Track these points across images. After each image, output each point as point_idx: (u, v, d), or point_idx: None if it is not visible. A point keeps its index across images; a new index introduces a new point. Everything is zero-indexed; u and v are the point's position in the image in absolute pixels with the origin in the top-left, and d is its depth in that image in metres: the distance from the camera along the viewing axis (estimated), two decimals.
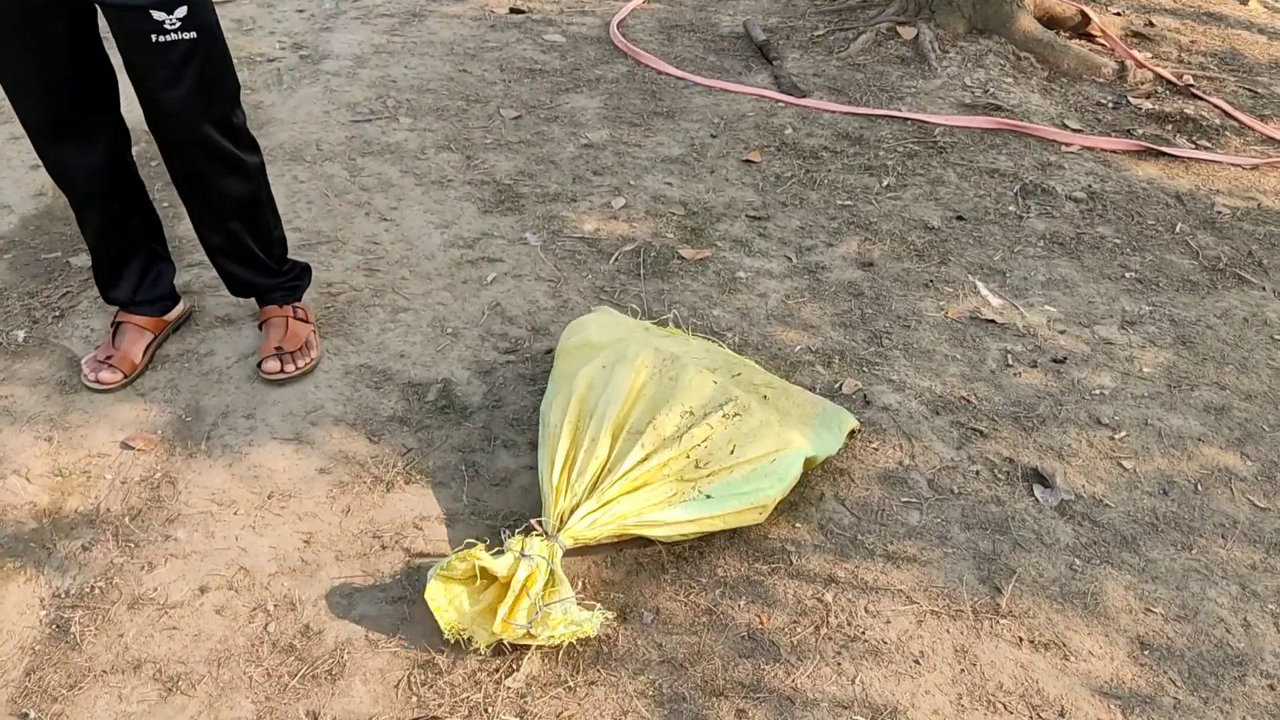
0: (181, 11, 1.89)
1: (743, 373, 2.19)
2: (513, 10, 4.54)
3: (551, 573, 1.74)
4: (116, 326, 2.35)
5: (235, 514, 1.99)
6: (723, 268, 2.86)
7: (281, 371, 2.31)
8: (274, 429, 2.20)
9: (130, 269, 2.33)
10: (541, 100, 3.77)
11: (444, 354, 2.47)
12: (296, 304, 2.45)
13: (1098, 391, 2.44)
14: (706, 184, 3.27)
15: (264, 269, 2.37)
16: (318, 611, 1.80)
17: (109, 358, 2.29)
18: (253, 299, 2.47)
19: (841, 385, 2.41)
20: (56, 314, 2.53)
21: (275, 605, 1.81)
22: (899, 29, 4.07)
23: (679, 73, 3.97)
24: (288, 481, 2.07)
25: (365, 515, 2.00)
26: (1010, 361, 2.53)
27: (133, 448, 2.12)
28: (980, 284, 2.82)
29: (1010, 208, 3.17)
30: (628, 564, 1.92)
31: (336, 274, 2.75)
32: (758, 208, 3.15)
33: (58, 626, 1.75)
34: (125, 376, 2.28)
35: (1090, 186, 3.29)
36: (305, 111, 3.59)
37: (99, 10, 1.93)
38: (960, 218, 3.12)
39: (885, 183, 3.28)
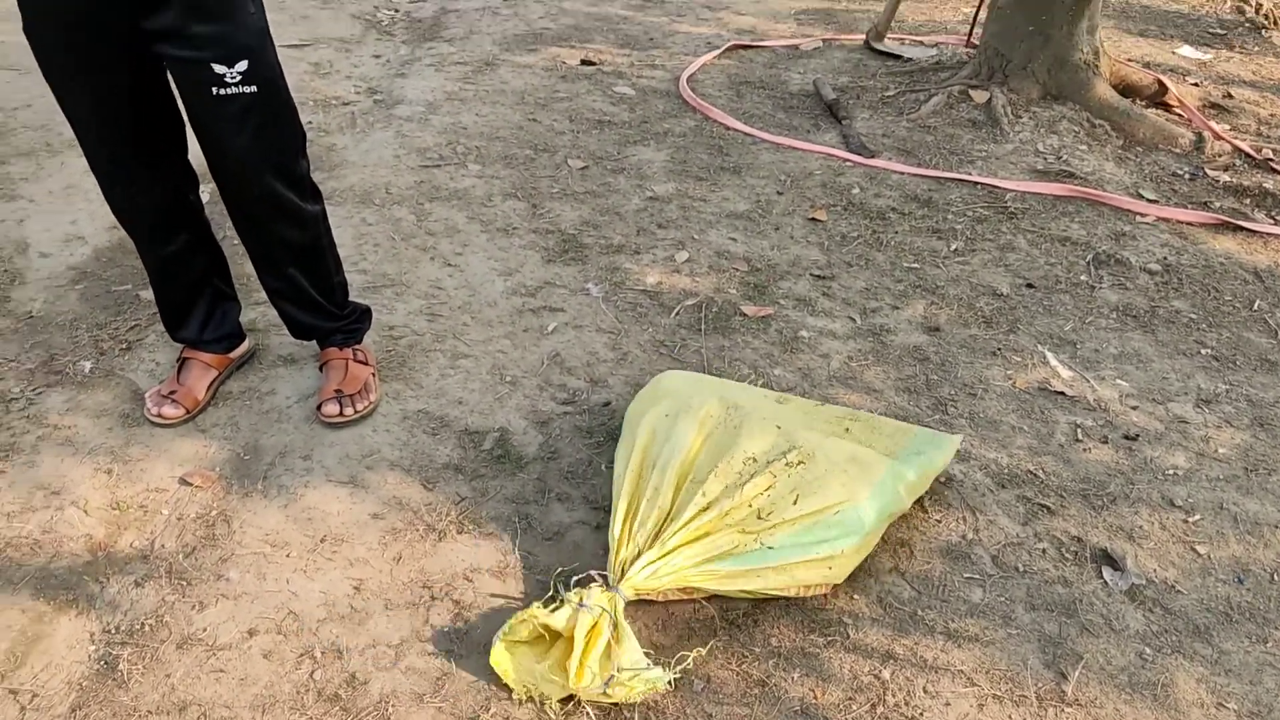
0: (242, 65, 1.92)
1: (817, 413, 2.15)
2: (584, 62, 4.59)
3: (616, 625, 1.70)
4: (182, 362, 2.37)
5: (287, 556, 1.98)
6: (785, 326, 2.82)
7: (340, 415, 2.31)
8: (330, 471, 2.19)
9: (196, 307, 2.35)
10: (609, 151, 3.79)
11: (502, 402, 2.46)
12: (357, 346, 2.46)
13: (1171, 472, 2.35)
14: (771, 240, 3.25)
15: (324, 313, 2.38)
16: (364, 661, 1.78)
17: (173, 393, 2.31)
18: (314, 340, 2.48)
19: None
20: (124, 346, 2.57)
21: (322, 652, 1.79)
22: (971, 92, 4.04)
23: (747, 128, 3.97)
24: (341, 526, 2.06)
25: (416, 564, 1.98)
26: (1080, 436, 2.45)
27: (190, 484, 2.13)
28: (1050, 354, 2.76)
29: (1082, 277, 3.11)
30: (679, 628, 1.88)
31: (399, 317, 2.76)
32: (822, 267, 3.12)
33: (106, 663, 1.75)
34: (188, 412, 2.30)
35: (1165, 259, 3.21)
36: (376, 155, 3.63)
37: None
38: (1030, 285, 3.06)
39: (953, 246, 3.23)
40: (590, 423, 2.41)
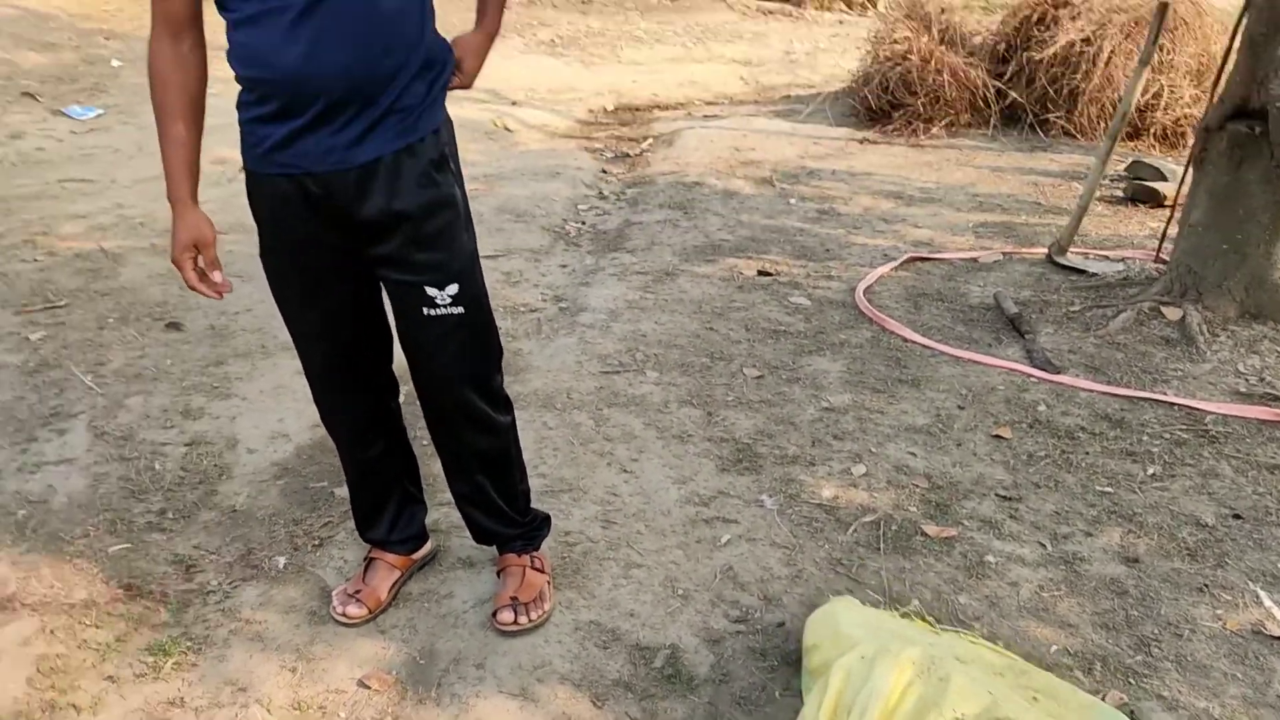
0: (453, 289, 2.06)
1: (1006, 673, 2.02)
2: (760, 273, 4.70)
3: None
4: (369, 562, 2.45)
5: None
6: (970, 549, 2.71)
7: (515, 623, 2.32)
8: (501, 681, 2.19)
9: (387, 509, 2.44)
10: (784, 361, 3.81)
11: (674, 617, 2.42)
12: (534, 553, 2.49)
13: None
14: (953, 457, 3.16)
15: (506, 519, 2.43)
16: None
17: (358, 592, 2.37)
18: (494, 545, 2.52)
19: (1105, 697, 2.18)
20: (316, 543, 2.67)
21: None
22: (1163, 309, 3.92)
23: (925, 341, 3.95)
24: None
25: None
26: None
27: (368, 687, 2.15)
28: (1264, 594, 2.54)
29: None
30: None
31: (575, 523, 2.79)
32: (1008, 487, 3.00)
33: None
34: (370, 612, 2.36)
35: None
36: (560, 361, 3.77)
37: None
38: (1238, 516, 2.86)
39: (1150, 471, 3.07)
40: (764, 644, 2.34)
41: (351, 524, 2.73)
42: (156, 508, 2.82)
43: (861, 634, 2.09)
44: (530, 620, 2.34)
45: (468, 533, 2.60)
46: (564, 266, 4.84)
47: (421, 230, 2.00)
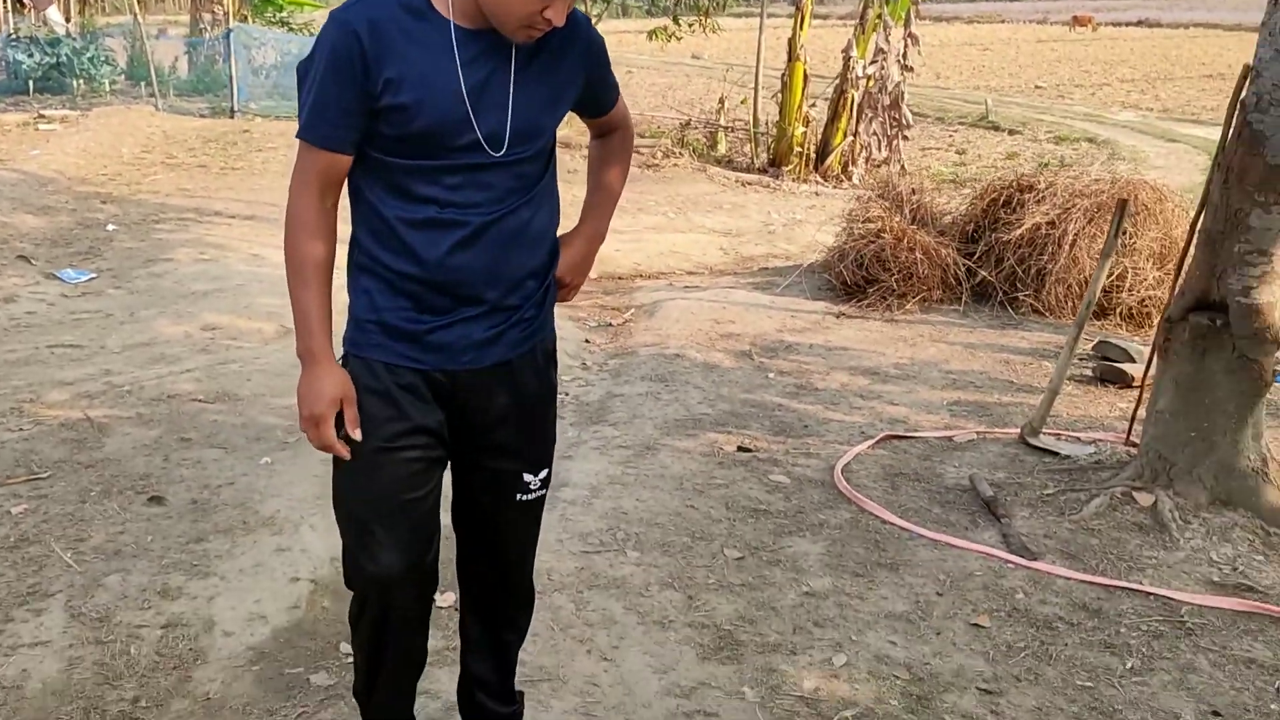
0: (544, 473, 2.21)
1: None
2: (740, 449, 4.76)
3: None
4: None
5: None
6: None
7: None
8: None
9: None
10: (765, 541, 3.84)
11: None
12: None
13: None
14: (932, 646, 3.17)
15: (508, 697, 2.48)
16: None
17: None
18: None
19: None
20: None
21: None
22: (1135, 494, 4.00)
23: (904, 523, 3.99)
24: None
25: None
26: None
27: None
28: None
29: (1273, 705, 2.90)
30: None
31: (554, 716, 2.76)
32: (988, 679, 3.00)
33: None
34: None
35: None
36: (541, 540, 3.77)
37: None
38: (1216, 713, 2.86)
39: (1129, 664, 3.08)
40: None
41: (328, 714, 2.71)
42: (130, 695, 2.78)
43: None
44: None
45: None
46: None
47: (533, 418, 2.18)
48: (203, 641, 3.04)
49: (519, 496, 2.16)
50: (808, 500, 4.22)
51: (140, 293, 6.47)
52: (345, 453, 2.01)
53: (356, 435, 2.00)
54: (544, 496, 2.24)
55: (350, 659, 2.98)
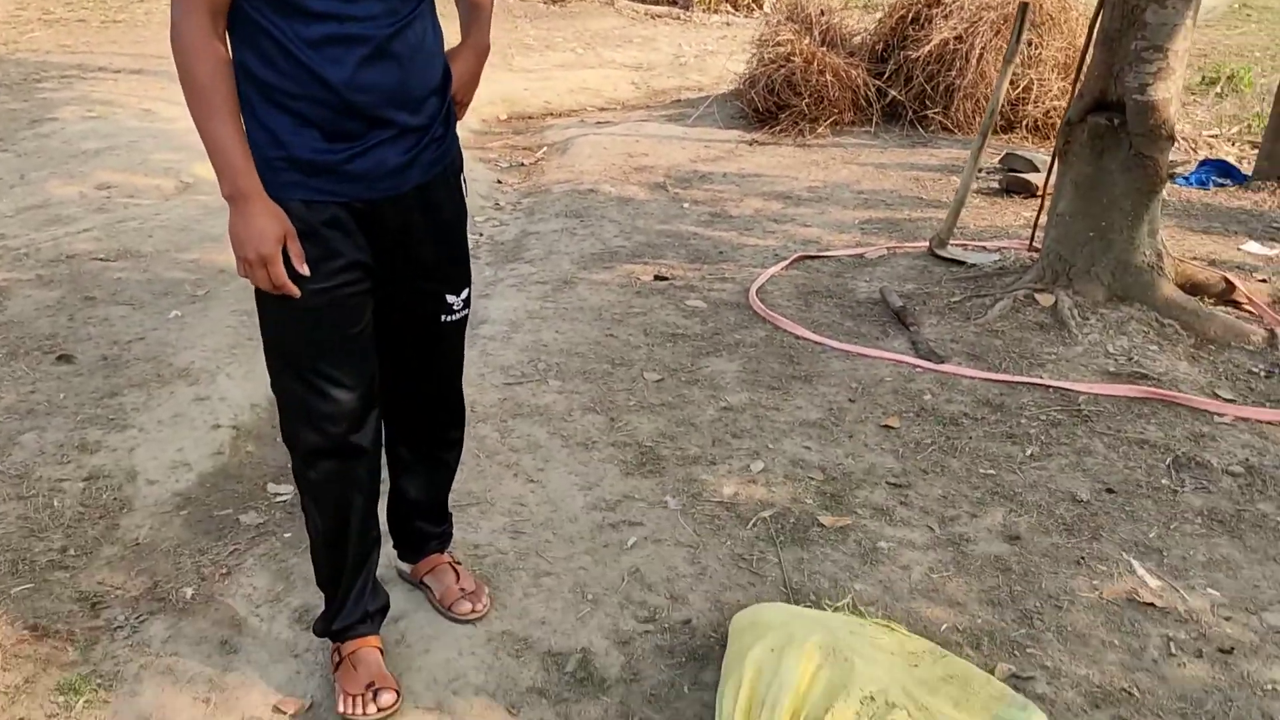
0: (465, 293, 2.23)
1: (920, 664, 2.13)
2: (657, 278, 4.80)
3: None
4: (351, 655, 2.25)
5: None
6: (863, 537, 2.84)
7: (474, 611, 2.46)
8: (418, 697, 2.23)
9: (368, 585, 2.33)
10: (683, 363, 3.91)
11: (584, 621, 2.49)
12: (451, 550, 2.61)
13: (1269, 687, 2.28)
14: (845, 449, 3.30)
15: (441, 516, 2.56)
16: None
17: (371, 683, 2.19)
18: (410, 559, 2.59)
19: (994, 670, 2.32)
20: (224, 571, 2.68)
21: None
22: (1037, 296, 4.13)
23: (816, 337, 4.09)
24: None
25: None
26: (1173, 650, 2.40)
27: (283, 712, 2.18)
28: (1136, 563, 2.72)
29: (1163, 481, 3.09)
30: None
31: (484, 535, 2.84)
32: (898, 475, 3.15)
33: None
34: (397, 691, 2.21)
35: (1248, 460, 3.18)
36: (464, 375, 3.80)
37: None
38: (1110, 490, 3.05)
39: (1029, 451, 3.25)
40: (671, 642, 2.43)
41: (261, 550, 2.75)
42: (58, 545, 2.78)
43: (777, 621, 2.19)
44: (485, 606, 2.49)
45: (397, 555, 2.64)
46: None
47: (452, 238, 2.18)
48: (127, 491, 3.04)
49: (444, 318, 2.18)
50: (724, 322, 4.29)
51: (28, 154, 6.17)
52: (297, 291, 1.91)
53: (305, 271, 1.90)
54: (466, 317, 2.27)
55: (279, 499, 3.04)
